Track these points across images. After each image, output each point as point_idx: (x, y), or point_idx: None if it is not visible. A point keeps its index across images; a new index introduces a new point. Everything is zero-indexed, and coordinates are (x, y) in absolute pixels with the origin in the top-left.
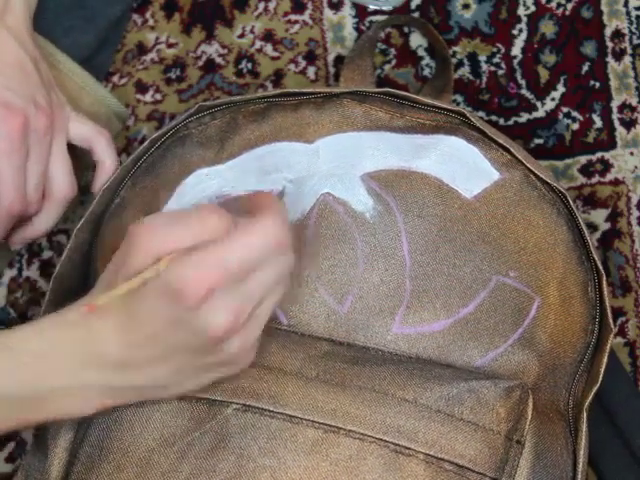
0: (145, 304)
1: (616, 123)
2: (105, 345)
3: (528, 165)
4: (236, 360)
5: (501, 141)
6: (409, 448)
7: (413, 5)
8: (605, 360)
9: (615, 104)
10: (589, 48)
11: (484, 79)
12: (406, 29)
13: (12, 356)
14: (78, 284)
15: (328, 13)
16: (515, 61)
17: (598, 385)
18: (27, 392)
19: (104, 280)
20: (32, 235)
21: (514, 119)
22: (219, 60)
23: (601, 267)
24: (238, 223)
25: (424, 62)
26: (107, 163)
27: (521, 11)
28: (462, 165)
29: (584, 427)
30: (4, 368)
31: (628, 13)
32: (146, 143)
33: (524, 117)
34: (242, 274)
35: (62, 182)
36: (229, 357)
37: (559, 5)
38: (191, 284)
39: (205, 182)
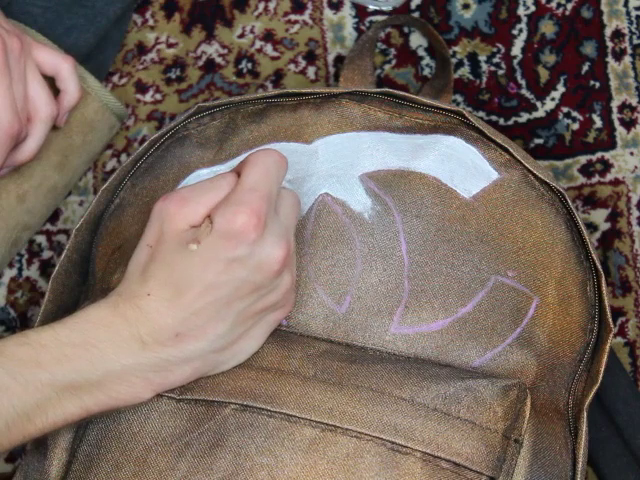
0: (200, 260)
1: (616, 123)
2: (158, 319)
3: (527, 165)
4: (286, 299)
5: (500, 141)
6: (406, 446)
7: (413, 5)
8: (605, 360)
9: (615, 104)
10: (589, 48)
11: (484, 79)
12: (406, 29)
13: (61, 346)
14: (78, 284)
15: (328, 13)
16: (515, 61)
17: (598, 385)
18: (82, 380)
19: (138, 262)
20: (22, 159)
21: (514, 119)
22: (219, 60)
23: (600, 267)
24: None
25: (424, 62)
26: (71, 88)
27: (521, 11)
28: (461, 165)
29: (584, 427)
30: (63, 359)
31: (628, 13)
32: (145, 144)
33: (524, 117)
34: (273, 198)
35: (43, 101)
36: (282, 295)
37: (559, 5)
38: (244, 219)
39: None
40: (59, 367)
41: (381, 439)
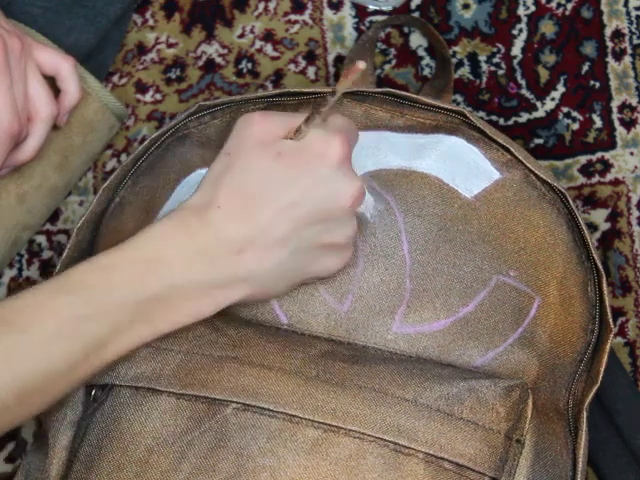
0: (281, 173)
1: (616, 123)
2: (224, 234)
3: (528, 165)
4: (347, 247)
5: (501, 141)
6: (409, 447)
7: (413, 5)
8: (605, 360)
9: (615, 104)
10: (589, 48)
11: (484, 79)
12: (406, 29)
13: (130, 266)
14: None
15: (328, 13)
16: (515, 61)
17: (598, 385)
18: (152, 298)
19: (212, 173)
20: (22, 158)
21: (514, 119)
22: (219, 60)
23: (601, 267)
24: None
25: (424, 62)
26: (72, 88)
27: (521, 11)
28: (462, 165)
29: (584, 426)
30: (133, 279)
31: (628, 13)
32: (146, 143)
33: (524, 117)
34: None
35: (43, 101)
36: (346, 238)
37: (559, 5)
38: (337, 143)
39: None
40: (130, 287)
41: (384, 440)
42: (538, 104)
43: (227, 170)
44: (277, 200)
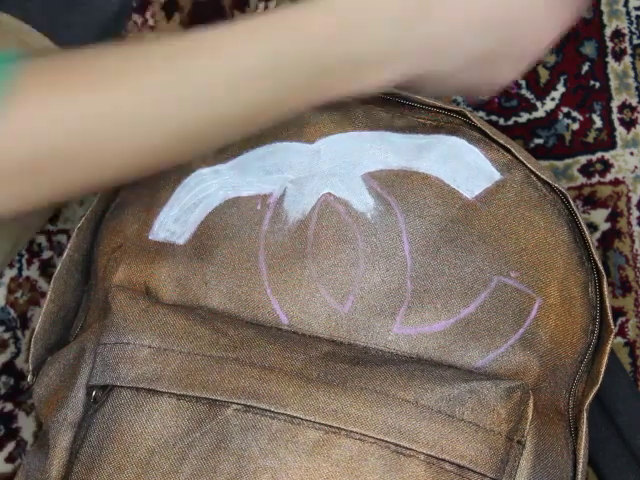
0: None
1: (616, 123)
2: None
3: (529, 166)
4: (533, 54)
5: (502, 141)
6: (410, 449)
7: None
8: (605, 360)
9: (615, 104)
10: (589, 48)
11: None
12: None
13: (322, 25)
14: (80, 283)
15: None
16: None
17: (598, 386)
18: (336, 55)
19: None
20: None
21: (514, 119)
22: None
23: (601, 268)
24: None
25: None
26: None
27: None
28: (463, 165)
29: (584, 427)
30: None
31: (628, 13)
32: None
33: (524, 117)
34: None
35: None
36: (545, 42)
37: None
38: None
39: (205, 182)
40: (321, 45)
41: (385, 441)
42: (538, 104)
43: None
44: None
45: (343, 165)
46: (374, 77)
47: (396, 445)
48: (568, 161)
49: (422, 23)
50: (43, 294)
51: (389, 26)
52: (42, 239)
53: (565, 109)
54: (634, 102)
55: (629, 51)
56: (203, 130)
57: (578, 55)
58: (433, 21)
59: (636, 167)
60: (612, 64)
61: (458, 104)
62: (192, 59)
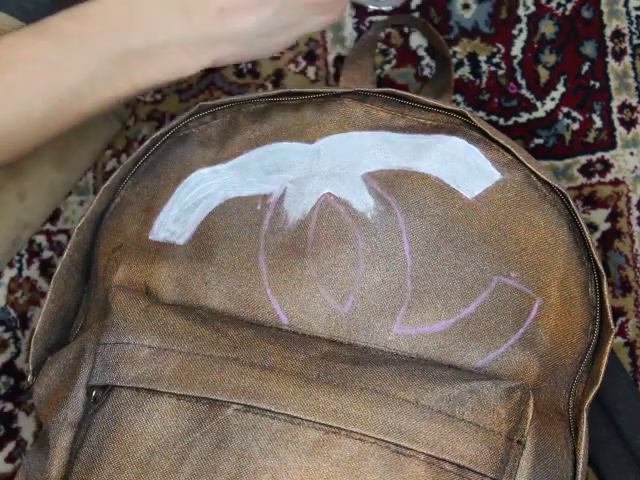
0: None
1: (616, 123)
2: None
3: (529, 166)
4: (331, 5)
5: (502, 141)
6: (410, 449)
7: (413, 5)
8: (605, 360)
9: (615, 104)
10: (589, 48)
11: (484, 79)
12: (406, 29)
13: (109, 18)
14: (80, 283)
15: None
16: (515, 61)
17: (598, 386)
18: (130, 51)
19: None
20: None
21: (514, 119)
22: None
23: (601, 268)
24: None
25: (424, 62)
26: None
27: (521, 11)
28: (463, 165)
29: (584, 427)
30: (112, 30)
31: (628, 13)
32: (147, 142)
33: (524, 117)
34: None
35: None
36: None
37: (559, 5)
38: None
39: (205, 182)
40: (108, 39)
41: (385, 441)
42: (538, 104)
43: None
44: None
45: (343, 165)
46: (177, 64)
47: (396, 445)
48: (568, 161)
49: (218, 19)
50: (43, 294)
51: (185, 19)
52: (42, 239)
53: (565, 109)
54: (634, 102)
55: (629, 51)
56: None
57: (578, 55)
58: (229, 17)
59: (636, 167)
60: (612, 64)
61: (458, 104)
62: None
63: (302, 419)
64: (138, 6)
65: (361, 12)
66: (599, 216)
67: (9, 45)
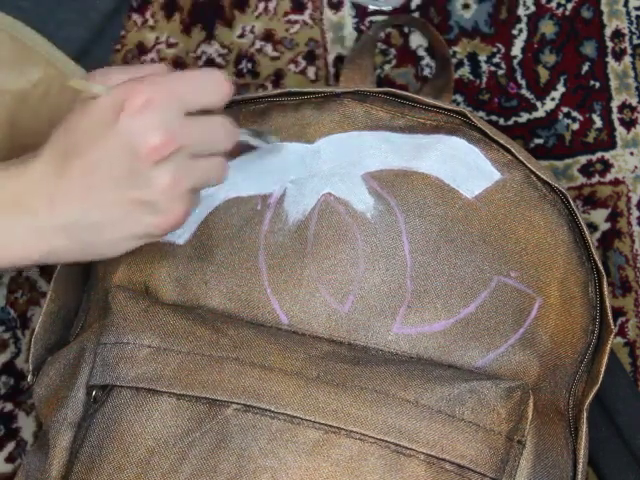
0: (84, 122)
1: (616, 123)
2: (37, 181)
3: (529, 166)
4: (166, 205)
5: (502, 141)
6: (410, 449)
7: (413, 5)
8: (605, 360)
9: (615, 104)
10: (589, 48)
11: (484, 79)
12: (406, 29)
13: None
14: (80, 283)
15: (328, 13)
16: (515, 61)
17: (598, 385)
18: None
19: (54, 145)
20: None
21: (514, 119)
22: (219, 60)
23: (601, 267)
24: None
25: (424, 62)
26: None
27: (521, 11)
28: (463, 165)
29: (584, 427)
30: None
31: (628, 13)
32: None
33: (524, 117)
34: (180, 97)
35: None
36: (158, 194)
37: (559, 5)
38: (131, 93)
39: None
40: None
41: (385, 441)
42: (538, 104)
43: (60, 125)
44: (83, 151)
45: (343, 165)
46: (9, 254)
47: (396, 445)
48: (568, 161)
49: (48, 209)
50: (43, 294)
51: (16, 209)
52: None
53: (565, 109)
54: (634, 102)
55: (629, 51)
56: None
57: (578, 55)
58: (57, 208)
59: (636, 167)
60: (612, 64)
61: (458, 104)
62: None
63: (302, 419)
64: None
65: (361, 12)
66: (599, 216)
67: None
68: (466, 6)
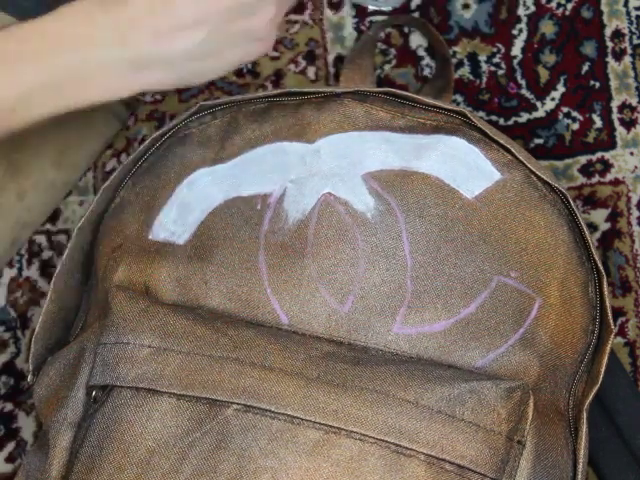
0: None
1: (616, 123)
2: (141, 14)
3: (529, 166)
4: (267, 32)
5: (502, 141)
6: (410, 449)
7: (413, 5)
8: (605, 360)
9: (615, 104)
10: (589, 48)
11: (484, 79)
12: (406, 29)
13: (44, 39)
14: (80, 283)
15: (328, 13)
16: (515, 61)
17: (598, 386)
18: (63, 72)
19: None
20: None
21: (514, 119)
22: None
23: (601, 268)
24: None
25: (424, 62)
26: None
27: (521, 11)
28: (463, 165)
29: (584, 427)
30: (46, 52)
31: (628, 13)
32: (146, 142)
33: (524, 117)
34: None
35: None
36: (264, 23)
37: (559, 5)
38: None
39: (205, 182)
40: (42, 57)
41: (385, 441)
42: (538, 104)
43: None
44: None
45: (343, 165)
46: (109, 86)
47: (396, 445)
48: (568, 161)
49: (151, 42)
50: (43, 294)
51: (118, 41)
52: (42, 239)
53: (565, 109)
54: (634, 102)
55: (629, 51)
56: None
57: (578, 55)
58: (162, 39)
59: (636, 167)
60: (612, 64)
61: (458, 104)
62: None
63: (302, 419)
64: (72, 24)
65: (361, 12)
66: (599, 216)
67: None
68: (466, 6)
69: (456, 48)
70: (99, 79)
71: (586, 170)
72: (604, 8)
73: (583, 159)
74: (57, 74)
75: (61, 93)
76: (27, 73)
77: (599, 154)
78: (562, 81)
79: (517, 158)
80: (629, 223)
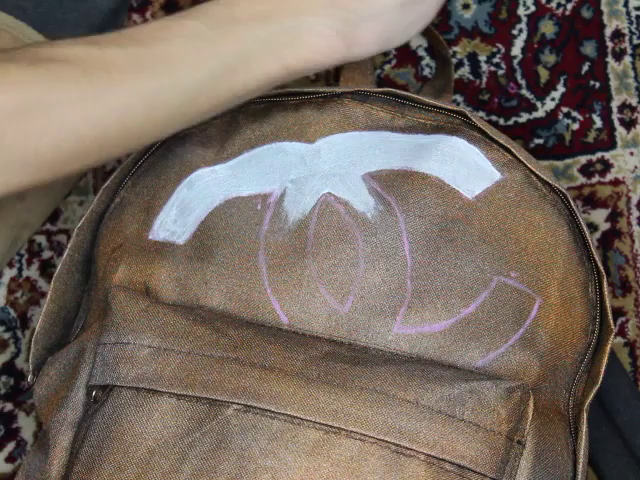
0: None
1: (616, 123)
2: None
3: (529, 166)
4: None
5: (502, 141)
6: (410, 449)
7: None
8: (605, 360)
9: (615, 104)
10: (589, 48)
11: (484, 79)
12: None
13: (254, 3)
14: (80, 283)
15: None
16: (515, 61)
17: (598, 386)
18: (279, 32)
19: None
20: None
21: (514, 119)
22: None
23: (601, 268)
24: None
25: (424, 62)
26: None
27: (521, 11)
28: (463, 165)
29: (584, 427)
30: (259, 14)
31: (628, 13)
32: None
33: (524, 117)
34: None
35: None
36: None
37: (559, 5)
38: None
39: (205, 182)
40: (256, 22)
41: (385, 441)
42: (538, 104)
43: None
44: None
45: (343, 165)
46: (328, 44)
47: (396, 445)
48: (568, 161)
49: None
50: (43, 294)
51: None
52: (42, 239)
53: (565, 109)
54: (634, 102)
55: (629, 51)
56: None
57: (578, 55)
58: None
59: (636, 167)
60: (612, 64)
61: (458, 104)
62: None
63: (302, 419)
64: None
65: None
66: (599, 216)
67: (159, 25)
68: (466, 6)
69: (456, 48)
70: (313, 39)
71: (586, 170)
72: (604, 8)
73: (583, 159)
74: (269, 35)
75: (276, 54)
76: (241, 34)
77: (599, 154)
78: (562, 81)
79: (517, 158)
80: (629, 223)
